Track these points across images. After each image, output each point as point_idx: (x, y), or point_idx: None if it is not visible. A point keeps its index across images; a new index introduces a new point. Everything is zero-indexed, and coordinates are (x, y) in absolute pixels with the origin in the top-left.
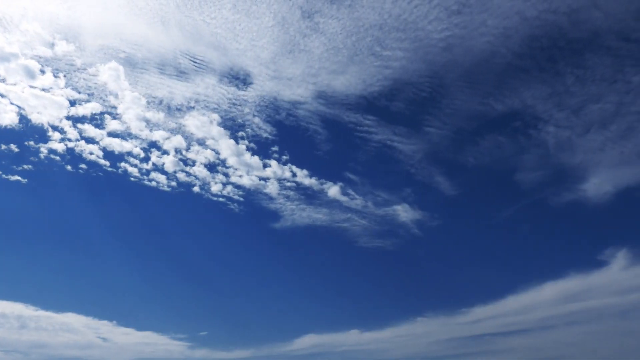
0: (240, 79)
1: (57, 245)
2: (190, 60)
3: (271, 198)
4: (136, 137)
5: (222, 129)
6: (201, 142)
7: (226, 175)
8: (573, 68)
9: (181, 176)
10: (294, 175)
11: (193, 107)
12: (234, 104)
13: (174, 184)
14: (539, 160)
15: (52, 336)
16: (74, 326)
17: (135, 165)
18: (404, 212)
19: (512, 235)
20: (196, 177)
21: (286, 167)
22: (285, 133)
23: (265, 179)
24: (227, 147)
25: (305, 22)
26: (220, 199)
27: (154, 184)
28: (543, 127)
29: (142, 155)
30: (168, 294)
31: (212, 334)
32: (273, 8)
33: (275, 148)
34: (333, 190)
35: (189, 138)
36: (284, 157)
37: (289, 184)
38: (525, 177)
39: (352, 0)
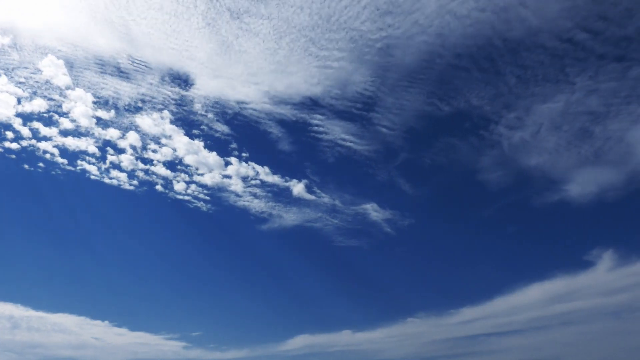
0: (181, 79)
1: (41, 244)
2: (128, 60)
3: (238, 195)
4: (90, 135)
5: (176, 126)
6: (157, 141)
7: (188, 173)
8: (513, 67)
9: (142, 175)
10: (257, 173)
11: (141, 107)
12: (181, 104)
13: (135, 182)
14: (497, 161)
15: (45, 336)
16: (67, 326)
17: (94, 164)
18: (374, 212)
19: (493, 237)
20: (158, 176)
21: (248, 165)
22: (239, 131)
23: (229, 177)
24: (184, 145)
25: (235, 23)
26: (186, 198)
27: (115, 182)
28: (494, 129)
29: (98, 153)
30: (162, 294)
31: (206, 334)
32: (200, 9)
33: (233, 145)
34: (298, 188)
35: (144, 136)
36: (244, 154)
37: (254, 181)
38: (488, 178)
39: (279, 0)
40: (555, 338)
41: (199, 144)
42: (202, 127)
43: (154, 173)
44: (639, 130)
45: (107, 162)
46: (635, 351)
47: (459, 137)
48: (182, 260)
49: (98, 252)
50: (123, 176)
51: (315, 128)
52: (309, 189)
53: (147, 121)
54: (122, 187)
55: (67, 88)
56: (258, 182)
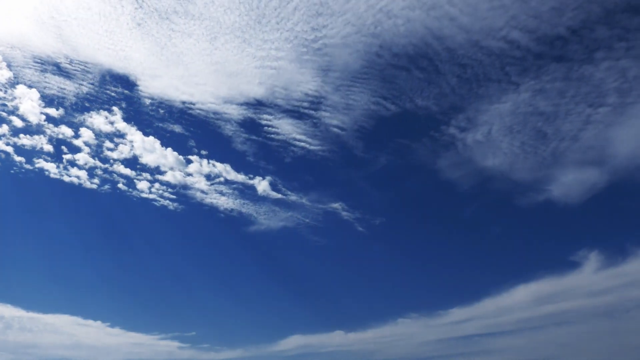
0: (123, 79)
1: (17, 245)
2: (66, 60)
3: (204, 193)
4: (42, 133)
5: (129, 124)
6: (112, 139)
7: (150, 172)
8: (451, 66)
9: (103, 174)
10: (220, 171)
11: (89, 107)
12: (129, 103)
13: (96, 181)
14: (455, 161)
15: (39, 337)
16: (60, 327)
17: (50, 162)
18: (343, 211)
19: (471, 238)
20: (119, 175)
21: (209, 163)
22: (192, 130)
23: (191, 175)
24: (141, 143)
25: (166, 24)
26: (151, 196)
27: (75, 180)
28: (446, 130)
29: (53, 151)
30: (156, 295)
31: (200, 335)
32: (127, 9)
33: (192, 143)
34: (263, 186)
35: (98, 134)
36: (203, 152)
37: (218, 179)
38: (451, 178)
39: (206, 1)
40: (546, 338)
41: (155, 142)
42: (155, 125)
43: (114, 172)
44: (618, 130)
45: (64, 160)
46: (625, 351)
47: (411, 138)
48: (170, 261)
49: (78, 251)
50: (83, 174)
51: (267, 128)
52: (274, 187)
53: (98, 119)
54: (83, 185)
55: (11, 85)
56: (222, 179)
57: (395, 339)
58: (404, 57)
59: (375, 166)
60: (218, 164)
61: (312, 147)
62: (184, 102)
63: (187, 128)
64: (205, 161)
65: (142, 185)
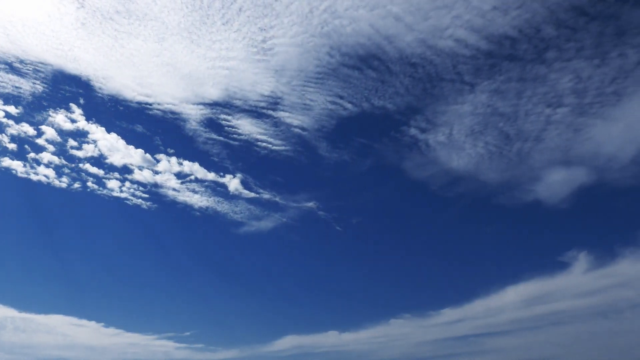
0: (76, 79)
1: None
2: (17, 60)
3: (177, 191)
4: (3, 132)
5: (90, 123)
6: (76, 137)
7: (119, 171)
8: (402, 66)
9: (71, 172)
10: (190, 169)
11: (47, 105)
12: (88, 102)
13: (65, 179)
14: (421, 162)
15: (34, 337)
16: (56, 327)
17: (15, 160)
18: (319, 210)
19: (456, 239)
20: (87, 174)
21: (178, 161)
22: (155, 130)
23: (160, 173)
24: (106, 142)
25: (110, 24)
26: (122, 195)
27: (43, 179)
28: (407, 130)
29: (17, 150)
30: (151, 295)
31: (195, 335)
32: (69, 9)
33: (158, 142)
34: (234, 184)
35: (62, 133)
36: (170, 150)
37: (189, 177)
38: (418, 178)
39: (147, 2)
40: (540, 339)
41: (119, 140)
42: (117, 124)
43: (82, 170)
44: (603, 129)
45: (29, 159)
46: (619, 351)
47: (373, 138)
48: (163, 261)
49: (69, 251)
50: (50, 173)
51: (227, 128)
52: (246, 185)
53: (59, 118)
54: (52, 184)
55: None
56: (193, 178)
57: (389, 339)
58: (355, 57)
59: (343, 166)
60: (187, 162)
61: (275, 147)
62: (140, 103)
63: (148, 127)
64: (174, 159)
65: (113, 184)
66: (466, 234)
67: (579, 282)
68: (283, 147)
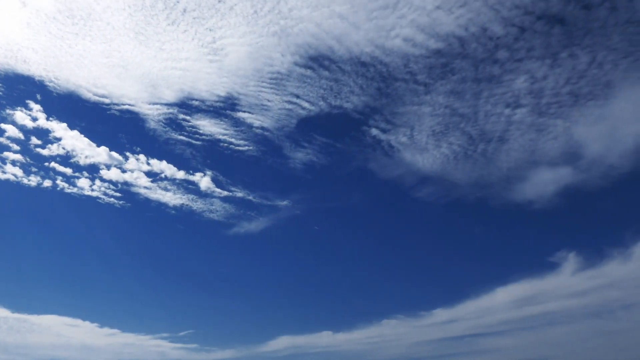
0: (29, 79)
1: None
2: None
3: (148, 189)
4: None
5: (52, 120)
6: (40, 136)
7: (87, 169)
8: (353, 65)
9: (39, 171)
10: (160, 167)
11: (4, 104)
12: (46, 100)
13: (34, 178)
14: (387, 161)
15: (29, 337)
16: (51, 328)
17: None
18: (296, 210)
19: (442, 241)
20: (56, 172)
21: (147, 159)
22: (118, 129)
23: (130, 171)
24: (72, 140)
25: (55, 24)
26: (94, 194)
27: (12, 177)
28: (367, 131)
29: None
30: (146, 295)
31: (191, 336)
32: (12, 9)
33: (123, 141)
34: (205, 182)
35: (24, 130)
36: (136, 148)
37: (160, 175)
38: (390, 178)
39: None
40: (534, 339)
41: (84, 138)
42: (78, 123)
43: (50, 169)
44: (584, 129)
45: None
46: (609, 351)
47: (336, 138)
48: (155, 262)
49: (59, 252)
50: (18, 172)
51: (189, 128)
52: (217, 183)
53: (19, 115)
54: (21, 183)
55: None
56: (163, 176)
57: (382, 339)
58: (306, 57)
59: (310, 166)
60: (154, 161)
61: (239, 147)
62: (97, 103)
63: (110, 126)
64: (142, 157)
65: (83, 182)
66: (450, 236)
67: (569, 282)
68: (247, 147)
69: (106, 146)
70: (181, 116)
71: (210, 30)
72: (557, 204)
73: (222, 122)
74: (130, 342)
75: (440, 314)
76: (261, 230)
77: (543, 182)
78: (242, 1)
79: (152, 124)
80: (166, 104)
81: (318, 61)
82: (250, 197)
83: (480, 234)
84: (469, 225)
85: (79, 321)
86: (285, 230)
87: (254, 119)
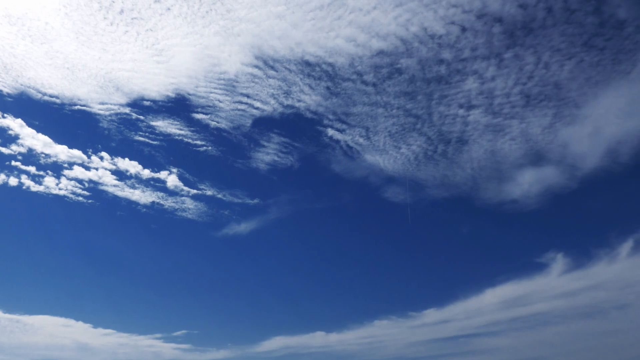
0: None
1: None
2: None
3: (117, 187)
4: None
5: (8, 118)
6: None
7: (51, 168)
8: (298, 65)
9: (0, 169)
10: (126, 165)
11: None
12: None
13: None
14: (348, 162)
15: (21, 338)
16: (46, 328)
17: None
18: (269, 209)
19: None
20: (20, 171)
21: (111, 157)
22: (75, 127)
23: (95, 169)
24: (30, 138)
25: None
26: (61, 192)
27: None
28: (324, 131)
29: None
30: (139, 296)
31: (185, 336)
32: None
33: (81, 139)
34: (172, 180)
35: None
36: (98, 146)
37: (127, 173)
38: (354, 178)
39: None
40: (530, 339)
41: (43, 136)
42: (34, 123)
43: (14, 167)
44: (566, 129)
45: None
46: (600, 352)
47: (294, 138)
48: (147, 263)
49: (49, 253)
50: None
51: (145, 128)
52: (184, 181)
53: None
54: None
55: None
56: (129, 174)
57: (375, 340)
58: (250, 56)
59: (274, 165)
60: (119, 159)
61: (199, 148)
62: (48, 103)
63: (66, 125)
64: (106, 155)
65: (48, 181)
66: (434, 237)
67: (557, 283)
68: (206, 147)
69: (65, 144)
70: (135, 116)
71: (151, 30)
72: (532, 205)
73: (177, 123)
74: (124, 342)
75: (431, 315)
76: (250, 232)
77: (521, 183)
78: (178, 2)
79: (106, 124)
80: (118, 105)
81: (264, 60)
82: (220, 196)
83: (468, 235)
84: (449, 226)
85: (72, 321)
86: (274, 231)
87: (209, 120)
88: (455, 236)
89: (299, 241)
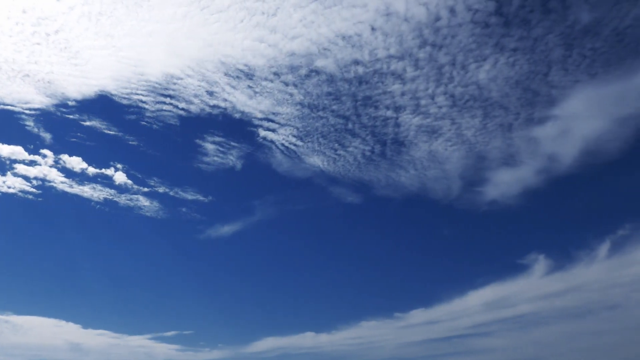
0: None
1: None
2: None
3: (66, 184)
4: None
5: None
6: None
7: None
8: (213, 63)
9: None
10: (71, 162)
11: None
12: None
13: None
14: (289, 162)
15: (12, 339)
16: (37, 329)
17: None
18: (225, 206)
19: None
20: None
21: (54, 154)
22: (5, 124)
23: (38, 165)
24: None
25: None
26: (10, 191)
27: None
28: (255, 131)
29: None
30: (133, 296)
31: (176, 336)
32: None
33: (13, 136)
34: (120, 177)
35: None
36: (37, 142)
37: (74, 171)
38: (301, 178)
39: None
40: (527, 339)
41: None
42: None
43: None
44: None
45: None
46: (584, 353)
47: (229, 138)
48: (140, 263)
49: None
50: None
51: (75, 127)
52: (132, 178)
53: None
54: None
55: None
56: (75, 171)
57: (365, 340)
58: (165, 55)
59: (216, 165)
60: (66, 156)
61: (139, 148)
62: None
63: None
64: (48, 152)
65: None
66: (412, 238)
67: (539, 284)
68: (141, 145)
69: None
70: (64, 116)
71: (58, 32)
72: (512, 206)
73: (106, 122)
74: (116, 343)
75: (417, 316)
76: (234, 233)
77: (497, 183)
78: (79, 3)
79: (37, 124)
80: (45, 105)
81: (179, 60)
82: (172, 193)
83: (450, 236)
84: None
85: (62, 322)
86: (259, 232)
87: (137, 119)
88: (435, 238)
89: (283, 242)
